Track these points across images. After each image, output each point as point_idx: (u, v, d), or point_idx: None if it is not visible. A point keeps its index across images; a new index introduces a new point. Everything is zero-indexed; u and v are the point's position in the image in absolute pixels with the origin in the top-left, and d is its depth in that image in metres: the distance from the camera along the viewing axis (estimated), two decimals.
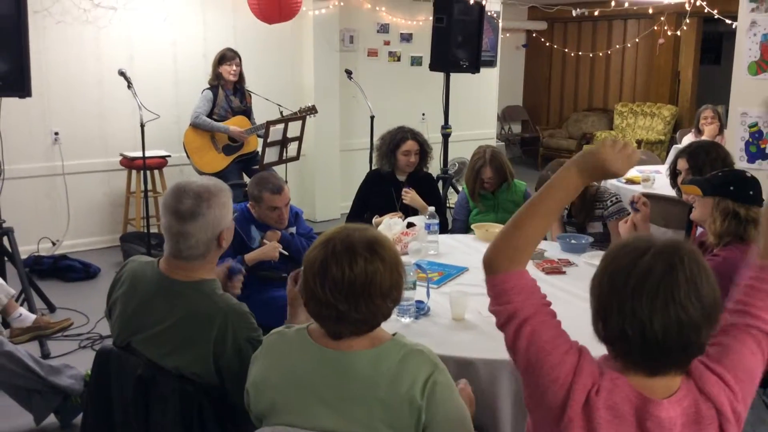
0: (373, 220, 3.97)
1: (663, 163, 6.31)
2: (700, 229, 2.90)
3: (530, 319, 1.46)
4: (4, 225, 4.32)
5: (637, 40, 9.65)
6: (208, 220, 2.01)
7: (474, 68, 5.71)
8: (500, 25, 8.28)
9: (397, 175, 4.28)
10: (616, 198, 3.67)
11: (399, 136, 4.20)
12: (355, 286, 1.53)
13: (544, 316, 1.48)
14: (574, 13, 7.26)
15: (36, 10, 5.29)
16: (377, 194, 4.26)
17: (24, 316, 3.90)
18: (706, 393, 1.36)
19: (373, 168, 4.60)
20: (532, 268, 3.05)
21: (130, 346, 2.05)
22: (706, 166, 3.10)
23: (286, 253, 3.31)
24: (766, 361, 1.44)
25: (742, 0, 3.79)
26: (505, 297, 1.49)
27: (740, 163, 3.69)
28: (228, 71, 5.55)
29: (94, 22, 5.75)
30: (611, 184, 5.02)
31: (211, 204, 2.02)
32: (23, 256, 4.79)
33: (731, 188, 2.48)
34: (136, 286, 2.09)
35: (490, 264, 1.54)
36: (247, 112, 5.78)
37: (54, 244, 5.75)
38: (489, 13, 7.47)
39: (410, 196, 4.09)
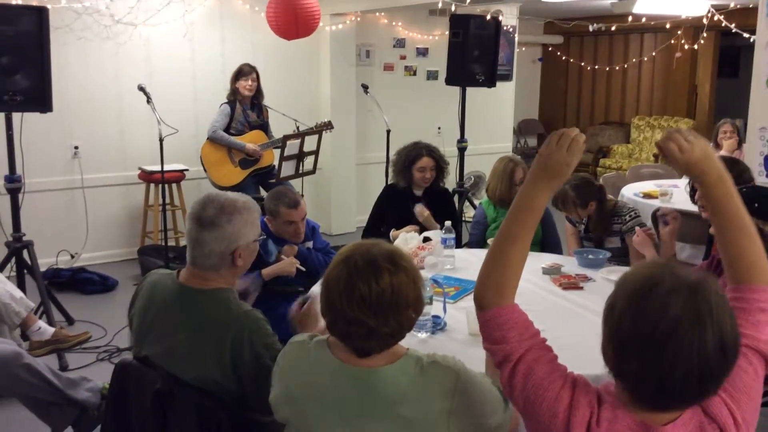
0: (390, 234, 3.97)
1: (681, 177, 6.28)
2: None
3: (524, 357, 1.44)
4: (24, 238, 4.37)
5: (654, 53, 9.62)
6: (225, 232, 2.02)
7: (490, 82, 5.72)
8: (516, 39, 8.29)
9: (414, 190, 4.28)
10: (635, 213, 3.65)
11: (414, 152, 4.19)
12: (383, 299, 1.53)
13: (538, 352, 1.45)
14: (591, 28, 7.26)
15: (57, 27, 5.36)
16: (394, 209, 4.27)
17: (43, 329, 3.94)
18: (710, 414, 1.34)
19: (389, 182, 4.61)
20: (549, 284, 3.04)
21: (148, 358, 2.06)
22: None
23: (303, 268, 3.32)
24: (762, 373, 1.43)
25: (761, 15, 3.78)
26: (498, 333, 1.48)
27: (759, 177, 3.66)
28: (244, 86, 5.61)
29: (114, 38, 5.83)
30: (628, 198, 5.01)
31: (232, 219, 2.04)
32: (42, 269, 4.85)
33: (756, 205, 2.46)
34: (155, 296, 2.11)
35: (479, 300, 1.54)
36: (264, 127, 5.82)
37: (73, 256, 5.81)
38: (505, 28, 7.48)
39: (425, 216, 4.06)
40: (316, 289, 2.92)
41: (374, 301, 1.52)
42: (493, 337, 1.50)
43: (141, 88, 5.02)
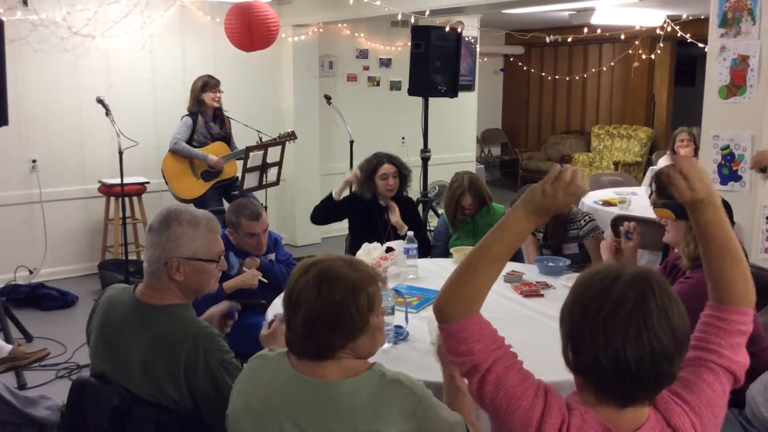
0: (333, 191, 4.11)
1: (639, 184, 6.39)
2: (676, 251, 2.94)
3: (494, 367, 1.44)
4: None
5: (612, 63, 9.80)
6: (160, 238, 2.01)
7: (452, 92, 5.77)
8: (478, 50, 8.38)
9: (380, 201, 4.29)
10: (589, 217, 3.73)
11: (375, 161, 4.23)
12: (325, 273, 1.60)
13: (507, 360, 1.46)
14: (548, 40, 7.37)
15: (13, 39, 5.28)
16: (360, 217, 4.27)
17: (0, 346, 3.85)
18: (672, 425, 1.37)
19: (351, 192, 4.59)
20: (510, 292, 3.07)
21: (104, 375, 2.03)
22: (668, 187, 3.14)
23: (265, 280, 3.30)
24: (728, 393, 1.46)
25: (712, 25, 3.87)
26: (465, 346, 1.47)
27: (713, 185, 3.75)
28: (212, 98, 5.56)
29: (72, 50, 5.76)
30: (588, 206, 5.08)
31: (170, 226, 2.02)
32: None
33: None
34: (111, 312, 2.09)
35: (442, 312, 1.51)
36: (227, 138, 5.78)
37: (31, 272, 5.70)
38: (466, 39, 7.56)
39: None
40: (278, 301, 2.92)
41: (316, 279, 1.59)
42: (458, 350, 1.48)
43: (100, 101, 4.95)
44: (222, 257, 2.14)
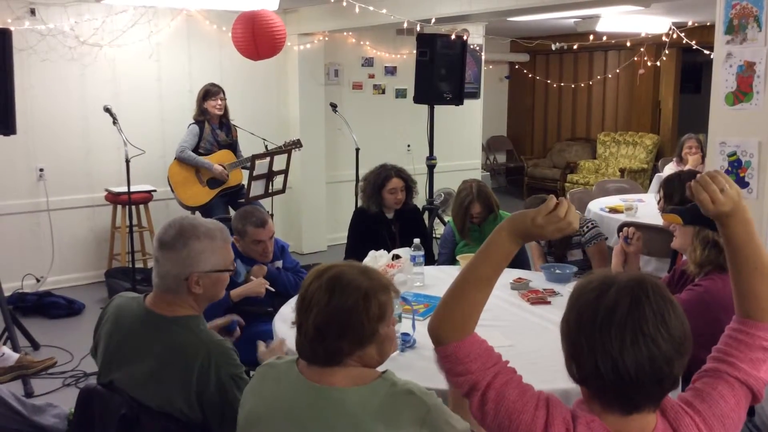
0: None
1: (646, 191, 6.38)
2: (685, 257, 2.93)
3: (492, 383, 1.44)
4: None
5: (617, 70, 9.79)
6: (179, 255, 2.00)
7: (457, 100, 5.78)
8: (483, 57, 8.39)
9: (385, 213, 4.28)
10: (592, 224, 3.74)
11: (383, 174, 4.20)
12: (338, 279, 1.61)
13: (506, 376, 1.46)
14: (553, 47, 7.38)
15: (21, 49, 5.31)
16: (366, 233, 4.25)
17: (7, 355, 3.86)
18: None
19: (358, 206, 4.59)
20: (517, 299, 3.06)
21: (113, 383, 2.03)
22: (675, 193, 3.16)
23: (272, 289, 3.30)
24: (744, 407, 1.44)
25: (718, 32, 3.86)
26: (461, 367, 1.47)
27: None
28: (214, 106, 5.59)
29: (79, 59, 5.79)
30: (595, 213, 5.07)
31: (188, 242, 2.01)
32: (7, 293, 4.76)
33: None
34: (120, 321, 2.09)
35: (436, 335, 1.52)
36: (233, 146, 5.81)
37: (38, 280, 5.72)
38: (472, 46, 7.57)
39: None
40: (285, 309, 2.92)
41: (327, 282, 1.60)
42: (455, 371, 1.49)
43: (107, 110, 4.98)
44: (234, 264, 2.16)
